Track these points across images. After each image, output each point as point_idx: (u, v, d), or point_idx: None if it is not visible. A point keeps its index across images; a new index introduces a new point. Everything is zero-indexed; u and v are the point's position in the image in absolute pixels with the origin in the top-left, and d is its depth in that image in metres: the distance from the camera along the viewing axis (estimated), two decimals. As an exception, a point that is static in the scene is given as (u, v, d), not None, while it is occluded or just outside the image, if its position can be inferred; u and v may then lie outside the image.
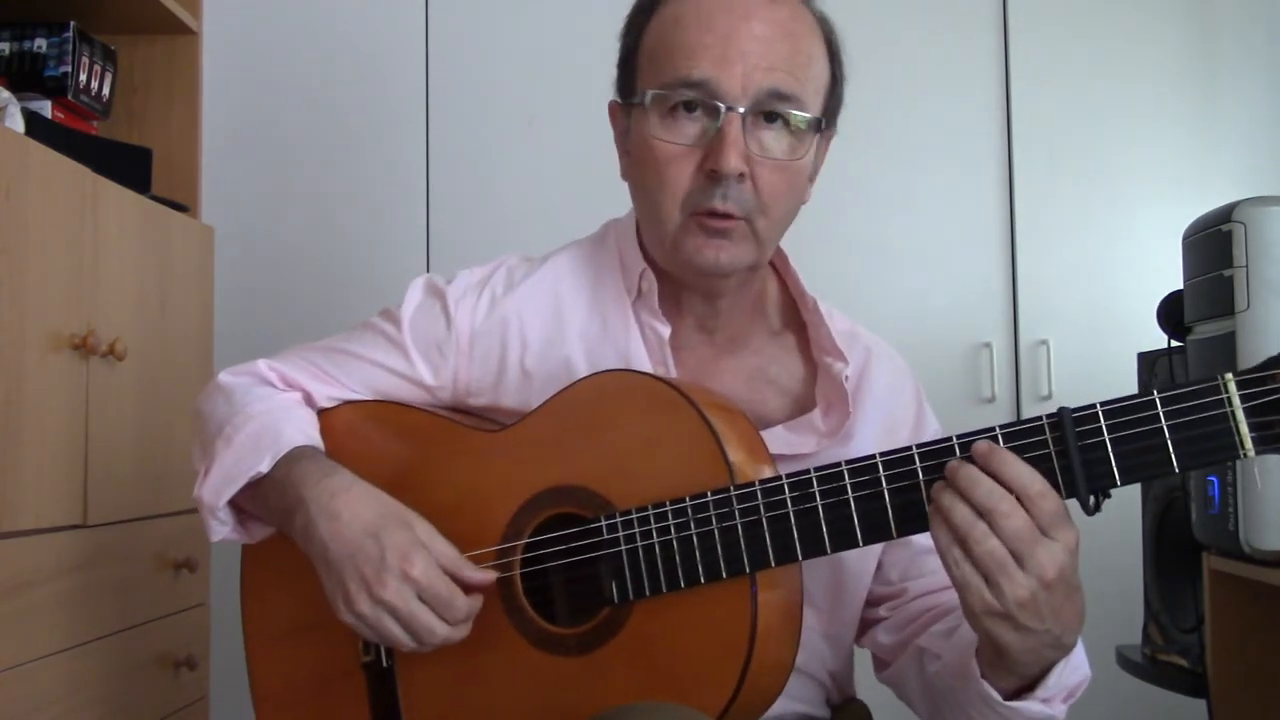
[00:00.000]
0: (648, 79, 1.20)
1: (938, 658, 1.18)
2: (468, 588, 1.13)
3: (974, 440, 1.00)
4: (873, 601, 1.30)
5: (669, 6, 1.20)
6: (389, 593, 1.09)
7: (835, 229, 2.58)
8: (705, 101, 1.15)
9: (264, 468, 1.20)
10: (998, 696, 1.05)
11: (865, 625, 1.31)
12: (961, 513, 0.97)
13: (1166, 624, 2.04)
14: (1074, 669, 1.05)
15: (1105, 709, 2.09)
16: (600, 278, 1.29)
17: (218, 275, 2.20)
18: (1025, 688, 1.05)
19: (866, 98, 2.61)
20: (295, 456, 1.20)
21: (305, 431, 1.24)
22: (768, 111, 1.16)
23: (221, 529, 1.24)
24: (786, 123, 1.17)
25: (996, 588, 0.96)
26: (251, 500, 1.24)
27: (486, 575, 1.14)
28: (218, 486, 1.21)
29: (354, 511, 1.14)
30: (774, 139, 1.17)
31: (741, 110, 1.14)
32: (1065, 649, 1.02)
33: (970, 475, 0.98)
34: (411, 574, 1.10)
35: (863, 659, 1.34)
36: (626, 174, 1.27)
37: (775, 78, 1.15)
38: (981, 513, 0.97)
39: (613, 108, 1.29)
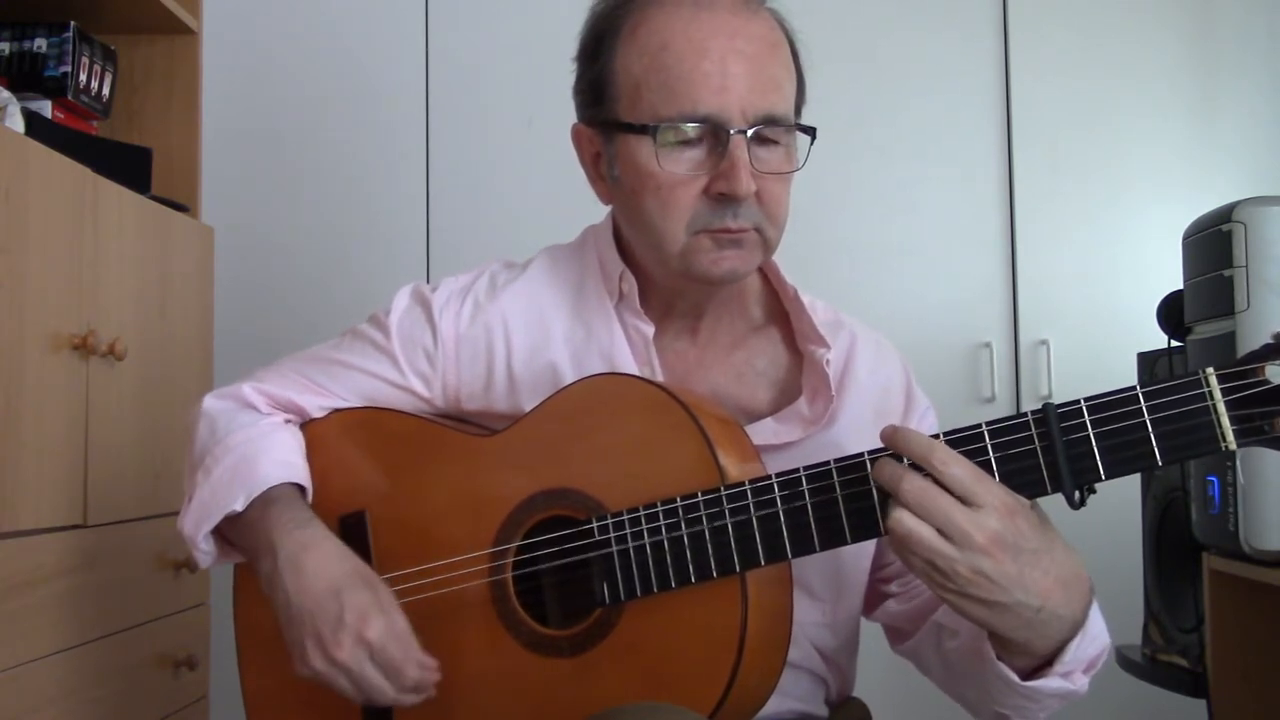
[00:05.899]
0: (641, 110, 1.17)
1: (955, 634, 1.18)
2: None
3: (959, 435, 1.00)
4: (883, 579, 1.30)
5: (644, 29, 1.18)
6: (343, 653, 1.11)
7: (835, 229, 2.59)
8: (711, 131, 1.15)
9: (238, 506, 1.21)
10: (1014, 677, 1.05)
11: (877, 599, 1.31)
12: (891, 506, 0.98)
13: (1166, 624, 2.04)
14: (1091, 640, 1.05)
15: (1105, 709, 2.08)
16: (582, 282, 1.29)
17: (218, 275, 2.20)
18: (1044, 664, 1.05)
19: (867, 98, 2.67)
20: (271, 498, 1.21)
21: (286, 460, 1.25)
22: (767, 130, 1.17)
23: (206, 558, 1.26)
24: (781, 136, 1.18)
25: (938, 569, 0.97)
26: (231, 530, 1.25)
27: (428, 662, 1.13)
28: (196, 520, 1.23)
29: (319, 566, 1.15)
30: (772, 153, 1.18)
31: (748, 133, 1.14)
32: (1065, 620, 1.01)
33: (878, 466, 0.99)
34: (366, 636, 1.11)
35: (864, 658, 1.34)
36: (610, 199, 1.26)
37: (770, 99, 1.16)
38: (899, 501, 0.97)
39: (581, 132, 1.26)
